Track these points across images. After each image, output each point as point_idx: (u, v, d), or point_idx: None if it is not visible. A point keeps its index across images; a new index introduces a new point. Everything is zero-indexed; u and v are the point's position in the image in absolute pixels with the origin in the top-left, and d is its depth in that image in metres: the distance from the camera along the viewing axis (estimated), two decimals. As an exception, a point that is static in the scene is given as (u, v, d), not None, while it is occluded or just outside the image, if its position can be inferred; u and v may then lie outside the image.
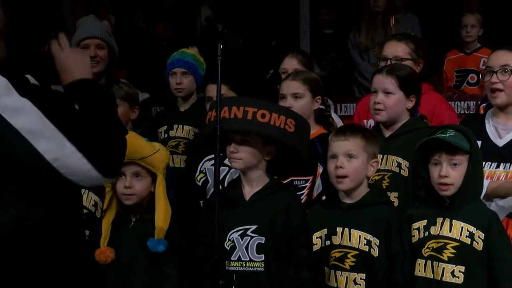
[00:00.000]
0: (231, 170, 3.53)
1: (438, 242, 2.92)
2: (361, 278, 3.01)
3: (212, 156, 3.65)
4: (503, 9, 6.48)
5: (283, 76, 4.03)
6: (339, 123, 3.97)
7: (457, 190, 2.92)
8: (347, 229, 3.04)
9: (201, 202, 3.73)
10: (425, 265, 2.93)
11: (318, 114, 3.74)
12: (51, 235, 2.10)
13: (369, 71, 5.45)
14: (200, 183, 3.79)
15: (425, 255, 2.94)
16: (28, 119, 1.99)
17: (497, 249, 2.87)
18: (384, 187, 3.36)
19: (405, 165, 3.35)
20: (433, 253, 2.92)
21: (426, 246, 2.94)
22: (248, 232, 3.10)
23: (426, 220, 2.97)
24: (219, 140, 2.86)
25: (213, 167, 3.66)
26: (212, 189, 3.61)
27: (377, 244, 3.01)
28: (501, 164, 3.31)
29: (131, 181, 3.17)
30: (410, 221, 3.01)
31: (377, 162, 3.14)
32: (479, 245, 2.87)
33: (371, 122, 3.81)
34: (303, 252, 3.10)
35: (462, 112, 4.99)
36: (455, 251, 2.89)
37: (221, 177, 3.35)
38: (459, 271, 2.87)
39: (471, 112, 4.96)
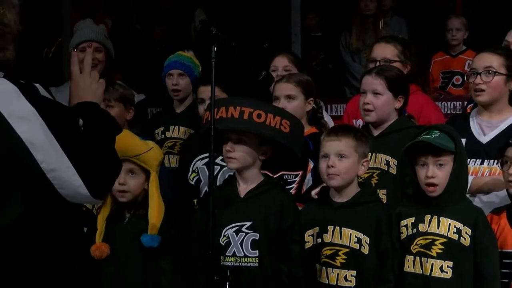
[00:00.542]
0: (224, 169, 3.52)
1: (426, 239, 2.92)
2: (351, 275, 3.01)
3: (204, 155, 3.67)
4: (487, 13, 6.52)
5: (273, 74, 4.03)
6: (330, 123, 3.97)
7: (443, 190, 2.92)
8: (338, 227, 3.04)
9: (195, 200, 3.72)
10: (414, 261, 2.93)
11: (310, 115, 3.74)
12: (52, 233, 2.10)
13: (360, 73, 5.43)
14: (193, 182, 3.78)
15: (414, 251, 2.94)
16: (31, 128, 1.99)
17: (483, 245, 2.88)
18: (373, 184, 3.36)
19: (393, 163, 3.35)
20: (422, 249, 2.92)
21: (414, 243, 2.94)
22: (243, 229, 3.10)
23: (414, 218, 2.97)
24: (213, 139, 2.85)
25: (205, 166, 3.68)
26: (206, 188, 3.60)
27: (367, 242, 3.01)
28: (485, 160, 3.33)
29: (125, 178, 3.17)
30: (398, 219, 3.01)
31: (368, 161, 3.14)
32: (466, 241, 2.88)
33: (360, 122, 3.82)
34: (296, 249, 3.10)
35: (448, 112, 5.00)
36: (443, 247, 2.89)
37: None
38: (447, 266, 2.88)
39: (457, 112, 4.97)
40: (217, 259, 2.99)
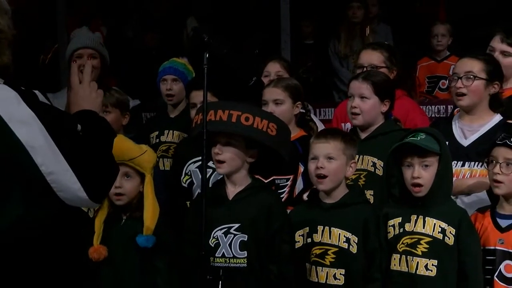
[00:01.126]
0: (215, 172, 3.53)
1: (412, 238, 2.94)
2: (340, 274, 3.01)
3: (196, 159, 3.68)
4: (470, 20, 6.57)
5: (266, 79, 4.05)
6: (320, 126, 3.99)
7: (428, 190, 2.94)
8: (328, 227, 3.04)
9: (188, 203, 3.72)
10: (400, 259, 2.95)
11: (299, 118, 3.75)
12: (51, 234, 2.10)
13: (348, 77, 5.47)
14: (186, 185, 3.79)
15: (400, 250, 2.95)
16: (31, 132, 1.99)
17: (466, 244, 2.90)
18: (361, 185, 3.37)
19: (379, 165, 3.37)
20: (408, 248, 2.94)
21: (401, 242, 2.95)
22: (231, 230, 3.11)
23: (400, 218, 2.99)
24: (205, 143, 2.87)
25: (197, 169, 3.68)
26: (198, 190, 3.61)
27: (356, 242, 3.02)
28: (466, 162, 3.34)
29: (121, 181, 3.17)
30: (385, 219, 3.02)
31: (355, 163, 3.15)
32: (450, 240, 2.90)
33: (348, 125, 3.83)
34: (286, 249, 3.11)
35: (433, 115, 5.02)
36: (428, 246, 2.91)
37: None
38: (432, 265, 2.89)
39: (441, 116, 5.00)
40: (207, 259, 3.00)
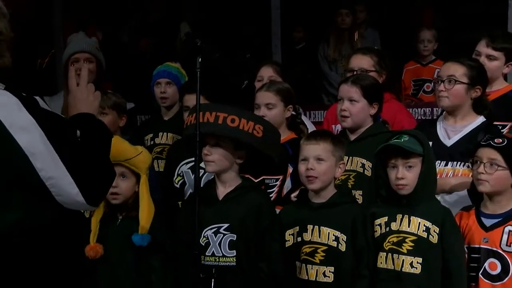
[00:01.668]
0: (207, 172, 3.54)
1: (398, 237, 2.96)
2: (329, 271, 3.02)
3: (188, 160, 3.68)
4: (456, 26, 6.61)
5: (259, 83, 4.06)
6: (311, 128, 4.00)
7: (413, 190, 2.96)
8: (317, 226, 3.05)
9: (180, 203, 3.73)
10: (386, 257, 2.96)
11: (290, 121, 3.76)
12: (49, 236, 2.11)
13: (337, 81, 5.49)
14: (178, 185, 3.79)
15: (386, 248, 2.97)
16: (31, 138, 2.00)
17: (449, 242, 2.92)
18: (350, 186, 3.39)
19: (368, 166, 3.38)
20: (394, 247, 2.95)
21: (387, 240, 2.97)
22: (221, 230, 3.12)
23: (387, 217, 3.01)
24: (198, 144, 2.88)
25: (189, 170, 3.69)
26: (190, 190, 3.62)
27: (345, 240, 3.03)
28: (449, 162, 3.36)
29: (117, 181, 3.17)
30: (372, 218, 3.04)
31: (344, 164, 3.17)
32: (434, 239, 2.92)
33: (338, 127, 3.84)
34: (276, 247, 3.12)
35: (419, 117, 5.05)
36: (413, 244, 2.93)
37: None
38: (417, 262, 2.91)
39: (426, 117, 5.02)
40: (199, 258, 3.00)
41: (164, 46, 6.85)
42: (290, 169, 3.53)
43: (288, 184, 3.56)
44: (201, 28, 6.56)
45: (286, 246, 3.12)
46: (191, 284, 2.90)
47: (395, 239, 2.95)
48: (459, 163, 3.33)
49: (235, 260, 3.10)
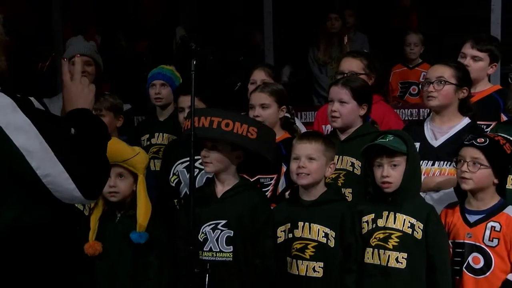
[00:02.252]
0: (202, 172, 3.55)
1: (384, 233, 2.98)
2: (319, 266, 3.04)
3: (184, 159, 3.69)
4: (442, 29, 6.64)
5: (252, 86, 4.07)
6: (302, 129, 4.02)
7: (398, 188, 2.98)
8: (308, 223, 3.08)
9: (175, 201, 3.74)
10: (373, 253, 2.98)
11: (283, 121, 3.78)
12: (48, 232, 2.11)
13: (326, 83, 5.51)
14: (173, 184, 3.80)
15: (373, 244, 2.99)
16: (27, 138, 2.00)
17: (433, 238, 2.94)
18: (340, 184, 3.40)
19: (358, 165, 3.40)
20: (380, 243, 2.97)
21: (373, 236, 2.99)
22: (219, 226, 3.14)
23: (373, 214, 3.03)
24: (193, 145, 2.90)
25: (185, 170, 3.70)
26: (186, 189, 3.63)
27: (333, 236, 3.05)
28: (436, 162, 3.38)
29: (115, 181, 3.19)
30: (360, 215, 3.06)
31: (334, 164, 3.19)
32: (419, 235, 2.94)
33: (328, 127, 3.85)
34: (269, 243, 3.14)
35: (406, 118, 5.07)
36: (398, 240, 2.95)
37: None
38: (402, 258, 2.93)
39: (413, 118, 5.05)
40: (196, 254, 3.02)
41: (160, 49, 6.85)
42: (284, 168, 3.54)
43: (282, 183, 3.57)
44: (196, 32, 6.56)
45: (278, 242, 3.14)
46: (187, 279, 2.92)
47: (381, 235, 2.97)
48: (445, 162, 3.35)
49: (231, 255, 3.12)
